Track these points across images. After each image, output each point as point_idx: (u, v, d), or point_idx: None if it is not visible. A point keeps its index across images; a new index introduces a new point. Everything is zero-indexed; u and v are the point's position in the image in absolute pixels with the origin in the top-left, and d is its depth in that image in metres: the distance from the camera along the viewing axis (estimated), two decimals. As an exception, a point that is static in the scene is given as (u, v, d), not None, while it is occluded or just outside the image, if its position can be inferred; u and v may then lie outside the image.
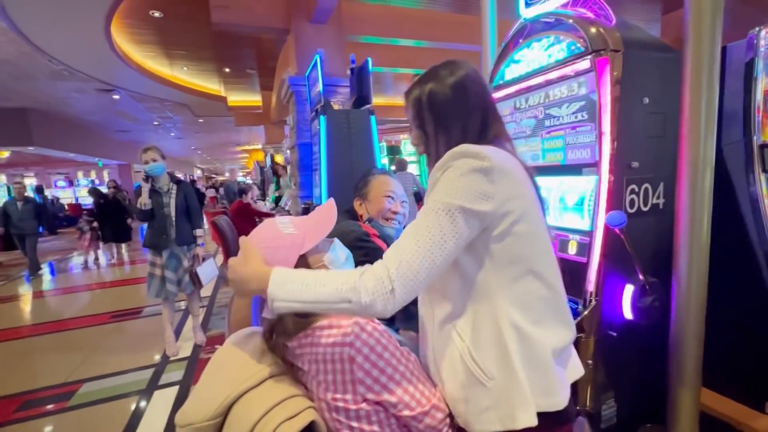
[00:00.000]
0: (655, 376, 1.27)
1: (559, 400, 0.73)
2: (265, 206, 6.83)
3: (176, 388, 2.51)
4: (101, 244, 6.83)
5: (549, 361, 0.72)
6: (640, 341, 1.23)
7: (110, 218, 6.60)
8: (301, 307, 0.66)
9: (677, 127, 1.14)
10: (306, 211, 3.76)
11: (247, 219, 5.07)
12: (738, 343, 1.27)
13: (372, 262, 1.17)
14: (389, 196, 1.38)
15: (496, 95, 1.56)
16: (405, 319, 1.04)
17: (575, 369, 0.82)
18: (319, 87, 3.35)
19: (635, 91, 1.13)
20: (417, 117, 0.81)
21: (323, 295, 0.65)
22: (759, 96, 1.22)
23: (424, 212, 0.69)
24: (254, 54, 6.75)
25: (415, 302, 1.16)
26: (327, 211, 0.86)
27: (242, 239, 0.77)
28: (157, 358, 2.96)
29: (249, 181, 14.09)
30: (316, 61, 3.42)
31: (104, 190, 7.37)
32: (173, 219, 2.78)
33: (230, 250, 4.46)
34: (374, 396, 0.72)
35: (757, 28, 1.21)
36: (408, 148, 8.92)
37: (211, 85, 8.73)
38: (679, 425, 1.14)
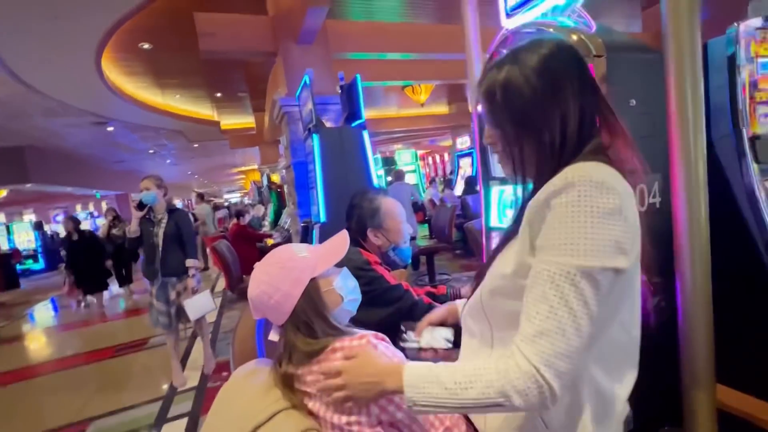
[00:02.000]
0: (670, 376, 1.25)
1: None
2: (266, 226, 6.83)
3: (185, 419, 2.47)
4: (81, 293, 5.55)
5: (621, 418, 0.66)
6: (651, 342, 1.20)
7: (83, 261, 5.22)
8: (446, 412, 0.62)
9: (665, 125, 1.14)
10: (305, 229, 3.76)
11: (246, 241, 5.07)
12: (751, 337, 1.26)
13: (375, 291, 1.18)
14: (402, 220, 1.39)
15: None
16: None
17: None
18: (310, 106, 3.38)
19: (621, 94, 1.14)
20: (490, 113, 0.66)
21: (469, 400, 0.56)
22: (742, 89, 1.23)
23: (557, 282, 0.54)
24: (244, 77, 6.84)
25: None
26: (339, 241, 0.90)
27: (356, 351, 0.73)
28: (165, 389, 2.92)
29: (247, 201, 14.08)
30: (305, 81, 3.46)
31: (101, 222, 6.88)
32: (160, 249, 2.72)
33: (231, 274, 4.44)
34: (388, 417, 0.72)
35: (735, 24, 1.23)
36: (402, 158, 8.98)
37: (203, 110, 8.82)
38: (696, 426, 1.12)
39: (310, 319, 0.79)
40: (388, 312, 1.18)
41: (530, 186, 0.66)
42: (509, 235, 0.68)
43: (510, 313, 0.64)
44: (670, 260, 1.17)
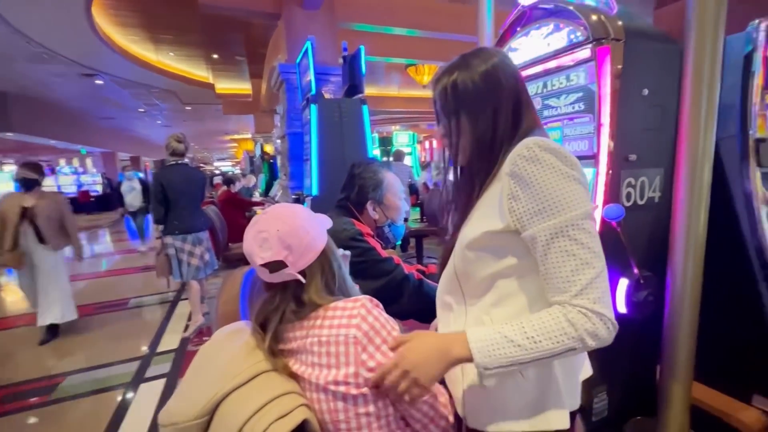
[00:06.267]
0: (647, 368, 1.28)
1: (579, 400, 0.75)
2: (256, 197, 6.73)
3: (163, 380, 2.47)
4: None
5: (580, 363, 0.74)
6: (633, 334, 1.22)
7: None
8: (518, 369, 0.64)
9: (674, 119, 1.12)
10: (296, 201, 3.71)
11: (235, 208, 4.99)
12: (727, 337, 1.28)
13: (366, 263, 1.18)
14: (402, 197, 1.36)
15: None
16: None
17: (587, 369, 0.83)
18: (310, 75, 3.26)
19: (635, 82, 1.11)
20: (443, 108, 0.76)
21: (543, 352, 0.61)
22: (756, 90, 1.21)
23: (570, 236, 0.62)
24: (243, 40, 6.58)
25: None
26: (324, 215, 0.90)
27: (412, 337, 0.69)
28: (144, 349, 2.90)
29: (238, 171, 13.83)
30: (307, 48, 3.33)
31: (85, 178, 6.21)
32: None
33: (218, 240, 4.37)
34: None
35: (757, 21, 1.19)
36: (399, 139, 8.87)
37: (198, 71, 8.52)
38: (669, 418, 1.15)
39: (327, 272, 0.79)
40: (379, 285, 1.16)
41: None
42: (468, 207, 0.76)
43: (483, 279, 0.71)
44: (662, 256, 1.17)
